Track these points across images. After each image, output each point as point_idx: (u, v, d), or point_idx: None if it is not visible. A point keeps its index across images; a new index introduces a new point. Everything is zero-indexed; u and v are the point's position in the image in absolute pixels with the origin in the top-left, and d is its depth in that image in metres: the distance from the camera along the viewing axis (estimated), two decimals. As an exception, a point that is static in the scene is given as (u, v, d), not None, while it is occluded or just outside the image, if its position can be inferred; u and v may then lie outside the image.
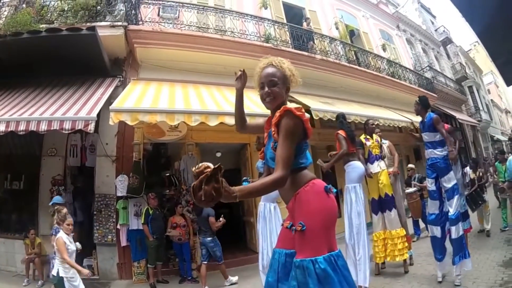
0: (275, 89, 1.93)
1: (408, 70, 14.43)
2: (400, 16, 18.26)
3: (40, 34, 6.31)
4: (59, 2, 7.28)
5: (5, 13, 7.32)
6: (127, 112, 5.67)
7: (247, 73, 2.23)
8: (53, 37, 6.32)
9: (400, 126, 10.46)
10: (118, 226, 6.61)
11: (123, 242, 6.62)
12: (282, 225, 2.01)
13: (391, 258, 5.53)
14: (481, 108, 23.57)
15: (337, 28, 11.97)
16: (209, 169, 1.41)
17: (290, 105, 1.88)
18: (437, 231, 4.76)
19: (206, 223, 5.92)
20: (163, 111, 5.89)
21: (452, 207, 4.66)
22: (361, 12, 14.71)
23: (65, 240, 4.30)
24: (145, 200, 6.75)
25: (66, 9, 7.18)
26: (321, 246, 1.72)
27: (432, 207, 4.87)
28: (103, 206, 6.76)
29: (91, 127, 5.48)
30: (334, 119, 7.37)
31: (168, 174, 7.86)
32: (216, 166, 1.42)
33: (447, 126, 5.75)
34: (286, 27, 9.79)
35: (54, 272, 4.25)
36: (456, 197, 4.67)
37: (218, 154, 9.05)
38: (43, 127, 5.45)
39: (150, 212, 6.35)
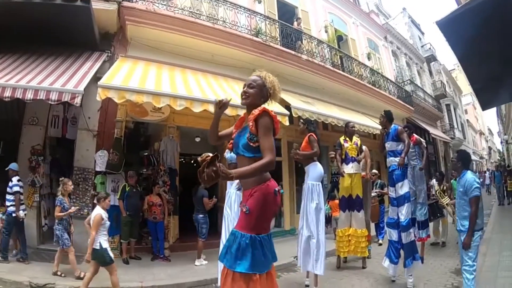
0: (251, 90, 2.41)
1: (389, 81, 14.93)
2: (389, 28, 18.81)
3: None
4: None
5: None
6: (115, 89, 5.73)
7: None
8: (46, 4, 6.19)
9: (374, 133, 10.84)
10: (95, 201, 6.65)
11: (99, 217, 6.69)
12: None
13: (353, 253, 6.02)
14: (455, 126, 24.50)
15: (326, 32, 12.29)
16: (208, 157, 1.88)
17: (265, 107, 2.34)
18: (394, 234, 5.10)
19: (201, 202, 6.53)
20: (151, 92, 5.98)
21: (403, 214, 4.97)
22: (352, 18, 15.07)
23: (103, 217, 4.57)
24: (123, 177, 6.88)
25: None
26: (252, 228, 2.23)
27: (392, 213, 5.21)
28: (81, 180, 6.80)
29: (77, 100, 5.47)
30: (311, 119, 7.68)
31: (146, 154, 7.96)
32: (214, 154, 1.90)
33: (414, 138, 6.12)
34: (277, 24, 9.98)
35: (95, 246, 4.44)
36: (406, 204, 4.99)
37: (197, 139, 9.17)
38: (29, 95, 5.40)
39: (127, 189, 6.52)
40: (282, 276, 5.82)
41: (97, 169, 6.78)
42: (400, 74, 17.94)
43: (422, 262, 5.73)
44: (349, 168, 6.01)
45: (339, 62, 11.92)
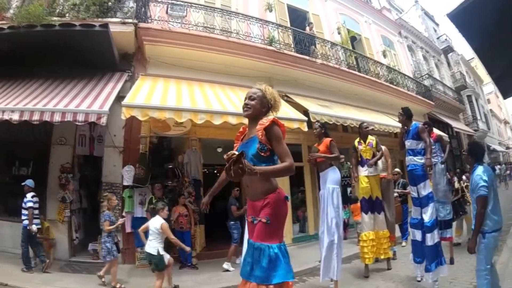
0: (252, 102, 2.52)
1: (407, 77, 14.69)
2: (403, 23, 18.45)
3: (54, 28, 6.54)
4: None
5: (16, 3, 7.54)
6: (138, 108, 5.99)
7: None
8: (66, 32, 6.55)
9: (395, 132, 10.69)
10: (124, 214, 6.96)
11: (128, 229, 7.00)
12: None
13: (376, 255, 5.89)
14: (479, 117, 23.78)
15: (339, 33, 12.27)
16: (234, 156, 1.97)
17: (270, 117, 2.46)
18: (418, 234, 5.01)
19: (230, 210, 7.00)
20: (172, 108, 6.22)
21: (427, 215, 4.85)
22: (364, 17, 14.96)
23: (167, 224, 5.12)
24: (149, 190, 7.12)
25: (77, 2, 7.32)
26: (276, 237, 2.35)
27: (415, 213, 5.11)
28: (110, 194, 7.09)
29: (103, 120, 5.80)
30: (330, 122, 7.70)
31: (171, 166, 8.18)
32: (239, 153, 2.00)
33: (435, 134, 6.03)
34: (290, 30, 10.08)
35: (153, 252, 4.88)
36: (431, 205, 4.87)
37: (219, 150, 9.35)
38: (57, 118, 5.75)
39: (154, 201, 6.71)
40: (308, 281, 5.91)
41: (125, 183, 7.07)
42: (418, 69, 17.60)
43: (453, 263, 5.66)
44: (364, 171, 5.85)
45: (355, 63, 11.85)
